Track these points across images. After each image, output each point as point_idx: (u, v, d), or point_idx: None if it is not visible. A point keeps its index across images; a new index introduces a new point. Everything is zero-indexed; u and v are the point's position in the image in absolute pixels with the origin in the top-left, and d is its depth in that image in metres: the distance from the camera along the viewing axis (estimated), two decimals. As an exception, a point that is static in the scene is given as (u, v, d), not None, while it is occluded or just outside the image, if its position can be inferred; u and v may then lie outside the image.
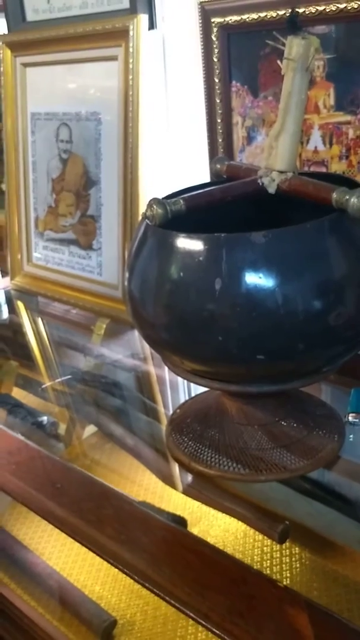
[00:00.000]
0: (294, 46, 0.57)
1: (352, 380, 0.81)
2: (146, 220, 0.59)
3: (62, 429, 0.94)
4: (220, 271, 0.53)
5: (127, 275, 0.62)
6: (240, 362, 0.55)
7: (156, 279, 0.58)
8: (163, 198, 0.60)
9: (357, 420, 0.71)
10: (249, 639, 0.46)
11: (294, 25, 0.58)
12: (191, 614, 0.49)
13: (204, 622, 0.48)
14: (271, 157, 0.60)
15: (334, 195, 0.54)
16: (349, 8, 0.72)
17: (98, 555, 0.57)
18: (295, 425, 0.67)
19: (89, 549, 0.58)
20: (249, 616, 0.48)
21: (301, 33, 0.57)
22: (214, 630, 0.48)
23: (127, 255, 0.63)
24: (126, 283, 0.62)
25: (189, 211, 0.59)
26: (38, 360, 1.12)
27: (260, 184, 0.61)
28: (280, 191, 0.60)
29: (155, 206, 0.57)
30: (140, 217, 0.96)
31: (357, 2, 0.71)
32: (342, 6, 0.73)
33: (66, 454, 0.90)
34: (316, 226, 0.53)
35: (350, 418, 0.71)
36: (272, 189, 0.60)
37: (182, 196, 0.60)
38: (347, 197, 0.53)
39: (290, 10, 0.58)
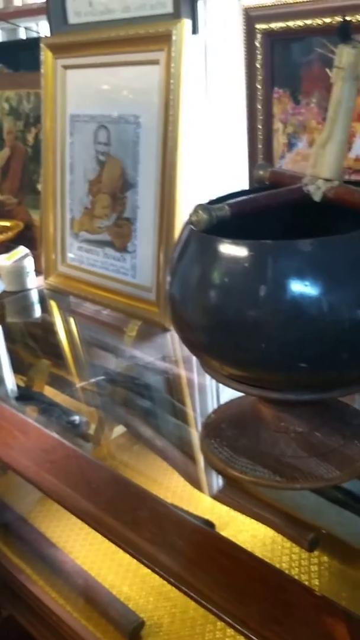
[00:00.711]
0: (344, 55, 0.57)
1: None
2: (190, 225, 0.59)
3: (91, 429, 0.95)
4: (265, 278, 0.53)
5: (168, 279, 0.62)
6: (282, 370, 0.55)
7: (199, 283, 0.58)
8: (208, 203, 0.60)
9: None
10: (287, 647, 0.46)
11: (345, 34, 0.57)
12: (228, 619, 0.49)
13: (240, 628, 0.48)
14: (317, 165, 0.60)
15: (382, 204, 0.53)
16: None
17: (134, 557, 0.57)
18: (331, 434, 0.67)
19: (125, 550, 0.58)
20: (286, 623, 0.48)
21: (352, 42, 0.57)
22: (251, 636, 0.48)
23: (169, 259, 0.63)
24: (167, 287, 0.62)
25: (233, 217, 0.59)
26: (69, 359, 1.13)
27: (306, 191, 0.60)
28: (326, 199, 0.60)
29: (200, 211, 0.58)
30: (177, 221, 0.98)
31: None
32: (389, 14, 0.72)
33: (95, 454, 0.91)
34: (363, 235, 0.53)
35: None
36: (317, 197, 0.60)
37: (227, 202, 0.60)
38: None
39: (341, 19, 0.57)
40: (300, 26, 0.79)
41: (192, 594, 0.52)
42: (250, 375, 0.59)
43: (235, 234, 0.56)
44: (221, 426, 0.72)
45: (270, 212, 0.62)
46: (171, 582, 0.54)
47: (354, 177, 0.81)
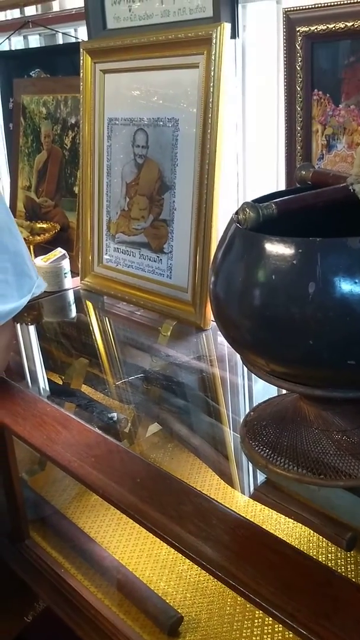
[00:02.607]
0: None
1: None
2: (236, 223, 0.60)
3: (126, 426, 0.96)
4: (314, 275, 0.54)
5: (212, 278, 0.63)
6: (330, 367, 0.56)
7: (244, 281, 0.59)
8: (254, 202, 0.61)
9: None
10: (336, 641, 0.47)
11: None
12: (277, 613, 0.50)
13: (290, 622, 0.49)
14: (362, 165, 0.61)
15: None
16: None
17: (179, 550, 0.58)
18: (374, 433, 0.67)
19: (170, 544, 0.59)
20: (335, 618, 0.49)
21: None
22: (300, 630, 0.48)
23: (213, 258, 0.64)
24: (211, 286, 0.63)
25: (279, 215, 0.60)
26: (105, 358, 1.15)
27: (352, 190, 0.61)
28: (371, 198, 0.60)
29: (248, 210, 0.58)
30: (213, 223, 0.98)
31: None
32: None
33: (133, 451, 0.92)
34: None
35: None
36: (362, 196, 0.61)
37: (274, 200, 0.61)
38: None
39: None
40: (341, 28, 0.80)
41: (239, 587, 0.53)
42: (296, 372, 0.59)
43: (279, 233, 0.57)
44: (262, 424, 0.73)
45: (313, 212, 0.63)
46: (217, 576, 0.55)
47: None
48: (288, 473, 0.66)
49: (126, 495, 0.64)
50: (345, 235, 0.54)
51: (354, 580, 0.78)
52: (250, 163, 1.08)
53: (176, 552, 0.59)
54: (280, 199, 0.61)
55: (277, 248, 0.56)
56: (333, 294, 0.53)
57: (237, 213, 0.60)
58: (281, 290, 0.56)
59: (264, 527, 0.77)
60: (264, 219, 0.59)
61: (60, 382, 1.06)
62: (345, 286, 0.53)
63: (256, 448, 0.70)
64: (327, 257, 0.53)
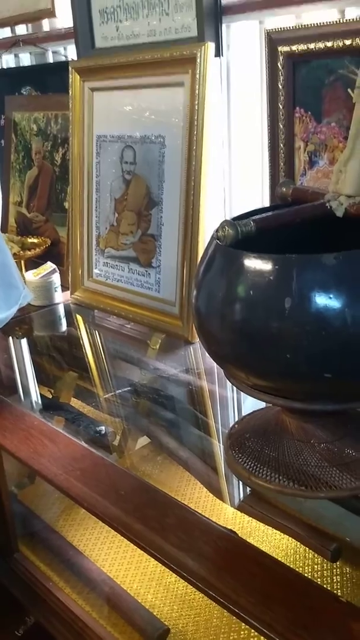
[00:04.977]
0: (365, 76, 0.60)
1: None
2: (216, 240, 0.62)
3: (115, 440, 0.97)
4: (290, 290, 0.55)
5: (194, 292, 0.64)
6: (307, 380, 0.57)
7: (224, 296, 0.60)
8: (232, 219, 0.63)
9: None
10: (313, 651, 0.47)
11: (366, 56, 0.60)
12: (255, 624, 0.50)
13: (268, 632, 0.50)
14: (340, 182, 0.62)
15: None
16: None
17: (161, 562, 0.59)
18: (354, 444, 0.68)
19: (152, 555, 0.60)
20: (312, 628, 0.49)
21: (373, 64, 0.60)
22: (278, 640, 0.49)
23: (195, 274, 0.65)
24: (193, 300, 0.64)
25: (258, 232, 0.61)
26: (94, 372, 1.16)
27: (329, 207, 0.62)
28: (348, 215, 0.62)
29: (227, 227, 0.60)
30: (201, 238, 1.00)
31: None
32: None
33: (118, 464, 0.93)
34: (385, 250, 0.55)
35: None
36: (340, 213, 0.62)
37: (253, 218, 0.62)
38: None
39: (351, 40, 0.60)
40: (321, 48, 0.82)
41: (219, 598, 0.53)
42: (275, 386, 0.60)
43: (260, 250, 0.58)
44: (245, 436, 0.74)
45: (293, 228, 0.64)
46: (198, 587, 0.55)
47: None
48: (270, 485, 0.66)
49: (110, 507, 0.65)
50: (327, 251, 0.56)
51: (339, 591, 0.79)
52: (237, 179, 1.10)
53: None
54: (259, 216, 0.63)
55: (255, 264, 0.57)
56: (309, 308, 0.54)
57: (217, 230, 0.61)
58: (259, 305, 0.57)
59: (251, 539, 0.78)
60: (243, 236, 0.60)
61: (50, 396, 1.07)
62: (321, 301, 0.54)
63: (239, 460, 0.71)
64: (302, 273, 0.55)
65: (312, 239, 0.65)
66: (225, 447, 0.75)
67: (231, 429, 0.78)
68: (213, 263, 0.62)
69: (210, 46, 0.94)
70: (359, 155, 0.61)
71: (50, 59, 1.49)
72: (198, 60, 0.94)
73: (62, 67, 1.27)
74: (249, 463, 0.70)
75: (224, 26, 1.00)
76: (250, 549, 0.58)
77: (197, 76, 0.95)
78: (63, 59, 1.42)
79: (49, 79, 1.45)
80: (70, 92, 1.20)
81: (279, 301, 0.55)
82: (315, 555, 0.83)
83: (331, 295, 0.54)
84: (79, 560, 0.91)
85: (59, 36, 1.37)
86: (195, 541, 0.59)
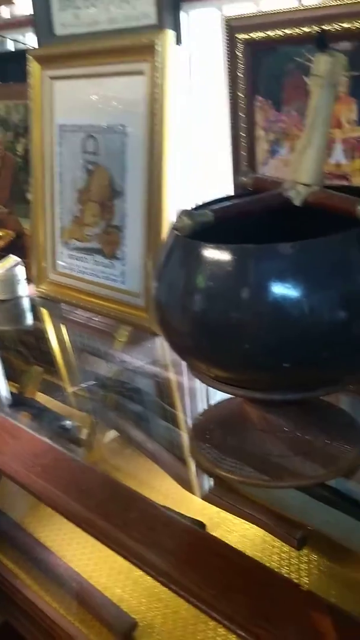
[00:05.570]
0: (321, 63, 0.59)
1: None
2: (175, 231, 0.61)
3: (83, 433, 0.96)
4: (248, 281, 0.54)
5: (154, 284, 0.63)
6: (266, 370, 0.57)
7: (184, 288, 0.59)
8: (191, 209, 0.62)
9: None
10: (274, 641, 0.47)
11: (322, 43, 0.59)
12: (216, 616, 0.50)
13: (228, 624, 0.49)
14: (298, 171, 0.62)
15: (359, 208, 0.55)
16: (372, 26, 0.74)
17: (125, 557, 0.58)
18: (316, 433, 0.68)
19: (116, 551, 0.59)
20: (273, 619, 0.49)
21: (328, 50, 0.59)
22: (239, 632, 0.49)
23: (155, 265, 0.65)
24: (153, 292, 0.63)
25: (217, 222, 0.61)
26: (61, 366, 1.14)
27: (287, 196, 0.62)
28: (306, 204, 0.61)
29: (184, 217, 0.59)
30: (164, 228, 0.99)
31: (381, 20, 0.73)
32: (366, 24, 0.74)
33: (87, 458, 0.91)
34: (343, 238, 0.55)
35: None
36: (298, 202, 0.62)
37: (210, 208, 0.61)
38: (372, 210, 0.54)
39: (318, 29, 0.59)
40: (280, 35, 0.81)
41: (180, 592, 0.53)
42: (235, 377, 0.60)
43: (220, 239, 0.58)
44: (209, 427, 0.74)
45: (254, 217, 0.64)
46: (160, 581, 0.55)
47: (335, 183, 0.83)
48: (233, 475, 0.66)
49: (72, 503, 0.64)
50: (289, 240, 0.55)
51: (307, 579, 0.80)
52: (201, 169, 1.09)
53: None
54: (217, 206, 0.62)
55: (212, 255, 0.57)
56: (266, 299, 0.54)
57: (174, 220, 0.61)
58: (217, 296, 0.56)
59: (220, 529, 0.78)
60: (201, 226, 0.60)
61: (15, 391, 1.05)
62: (278, 291, 0.54)
63: (203, 452, 0.71)
64: (259, 263, 0.54)
65: (274, 228, 0.65)
66: (190, 438, 0.75)
67: (195, 420, 0.78)
68: (172, 254, 0.62)
69: (170, 34, 0.93)
70: (315, 143, 0.61)
71: (11, 46, 1.45)
72: (157, 48, 0.93)
73: (22, 56, 1.24)
74: (213, 454, 0.70)
75: (184, 14, 0.98)
76: (213, 541, 0.58)
77: (157, 64, 0.93)
78: (23, 46, 1.39)
79: (9, 68, 1.41)
80: (29, 81, 1.18)
81: (236, 292, 0.55)
82: (283, 544, 0.84)
83: (288, 285, 0.54)
84: (46, 557, 0.90)
85: (18, 23, 1.34)
86: (158, 535, 0.58)
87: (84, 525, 0.61)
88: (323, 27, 0.59)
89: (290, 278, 0.54)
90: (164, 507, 0.67)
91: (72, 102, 1.13)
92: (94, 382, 1.05)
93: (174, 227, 0.60)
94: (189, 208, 0.62)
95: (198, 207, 0.67)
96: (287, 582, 0.54)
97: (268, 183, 0.68)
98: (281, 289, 0.54)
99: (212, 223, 0.60)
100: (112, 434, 0.97)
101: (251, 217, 0.63)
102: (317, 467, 0.66)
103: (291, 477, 0.65)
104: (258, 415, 0.69)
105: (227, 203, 0.63)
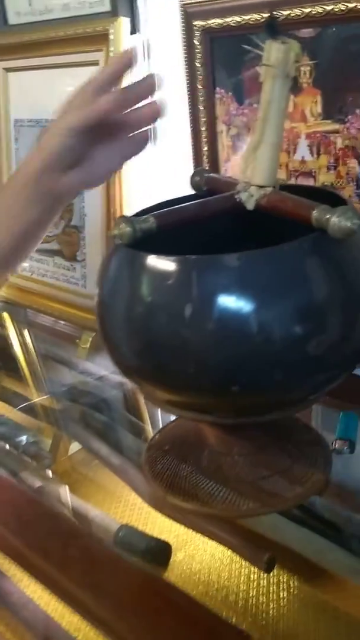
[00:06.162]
0: (272, 51, 0.53)
1: (342, 402, 0.77)
2: (113, 238, 0.55)
3: (47, 444, 0.90)
4: (190, 296, 0.49)
5: (95, 298, 0.58)
6: (214, 394, 0.51)
7: (125, 302, 0.54)
8: (136, 214, 0.56)
9: (344, 447, 0.67)
10: None
11: (273, 29, 0.53)
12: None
13: None
14: (249, 171, 0.56)
15: (314, 213, 0.49)
16: (336, 10, 0.68)
17: (63, 601, 0.53)
18: (278, 454, 0.63)
19: (53, 593, 0.54)
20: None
21: (280, 37, 0.53)
22: None
23: (97, 275, 0.59)
24: (95, 307, 0.58)
25: (162, 229, 0.55)
26: (23, 373, 1.09)
27: (238, 199, 0.56)
28: (259, 208, 0.56)
29: (123, 224, 0.53)
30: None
31: (344, 3, 0.67)
32: (329, 8, 0.68)
33: (52, 470, 0.86)
34: (295, 248, 0.49)
35: (336, 445, 0.67)
36: (250, 205, 0.56)
37: (154, 213, 0.56)
38: (328, 217, 0.48)
39: (268, 13, 0.53)
40: (239, 22, 0.75)
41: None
42: (181, 400, 0.55)
43: (176, 244, 0.52)
44: (164, 448, 0.68)
45: (205, 221, 0.58)
46: (99, 629, 0.50)
47: (300, 180, 0.77)
48: (187, 505, 0.61)
49: (9, 537, 0.58)
50: (252, 242, 0.51)
51: (274, 602, 0.75)
52: (162, 166, 1.03)
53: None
54: (161, 211, 0.56)
55: (153, 266, 0.51)
56: (210, 315, 0.48)
57: (112, 227, 0.55)
58: (160, 312, 0.51)
59: (187, 548, 0.73)
60: (142, 233, 0.54)
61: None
62: (223, 307, 0.48)
63: (156, 476, 0.65)
64: (203, 275, 0.49)
65: (240, 229, 0.60)
66: (144, 460, 0.69)
67: (151, 439, 0.72)
68: (111, 265, 0.56)
69: (124, 21, 0.87)
70: (269, 140, 0.55)
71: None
72: (111, 37, 0.87)
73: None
74: (167, 479, 0.64)
75: (142, 1, 0.92)
76: (159, 583, 0.53)
77: (111, 54, 0.87)
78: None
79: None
80: (-18, 73, 1.11)
81: (179, 308, 0.49)
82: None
83: (235, 300, 0.48)
84: (10, 592, 0.84)
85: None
86: (98, 575, 0.53)
87: (20, 562, 0.56)
88: (273, 11, 0.53)
89: (237, 292, 0.48)
90: (124, 526, 0.61)
91: (28, 95, 1.07)
92: (56, 391, 1.00)
93: (112, 235, 0.55)
94: (137, 210, 0.57)
95: (146, 210, 0.61)
96: (232, 629, 0.49)
97: (221, 183, 0.62)
98: (227, 305, 0.48)
99: (154, 230, 0.54)
100: (75, 446, 0.92)
101: (201, 222, 0.57)
102: (278, 492, 0.60)
103: (248, 505, 0.60)
104: (214, 435, 0.63)
105: (171, 208, 0.57)
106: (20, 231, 0.65)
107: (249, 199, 0.56)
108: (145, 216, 0.55)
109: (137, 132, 0.63)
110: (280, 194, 0.55)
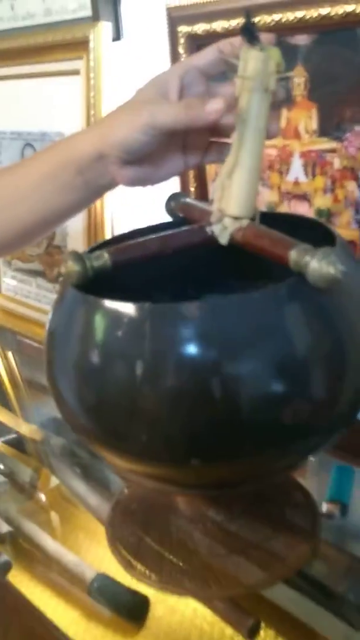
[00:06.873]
0: (249, 60, 0.45)
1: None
2: (62, 278, 0.48)
3: (27, 474, 0.85)
4: (142, 350, 0.41)
5: (45, 345, 0.50)
6: (171, 465, 0.43)
7: (75, 350, 0.46)
8: (85, 251, 0.49)
9: (334, 512, 0.58)
10: None
11: (250, 34, 0.46)
12: None
13: None
14: (224, 199, 0.48)
15: (292, 254, 0.41)
16: (332, 14, 0.60)
17: None
18: (255, 523, 0.55)
19: None
20: None
21: (258, 44, 0.45)
22: None
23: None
24: (44, 355, 0.50)
25: (118, 266, 0.47)
26: (9, 401, 1.03)
27: (210, 232, 0.48)
28: (234, 242, 0.48)
29: (71, 262, 0.46)
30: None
31: (342, 6, 0.59)
32: (325, 12, 0.60)
33: (31, 504, 0.81)
34: (266, 296, 0.41)
35: (325, 509, 0.59)
36: (224, 240, 0.48)
37: (110, 248, 0.48)
38: (307, 259, 0.40)
39: (245, 16, 0.46)
40: (225, 28, 0.67)
41: None
42: (138, 470, 0.47)
43: (143, 273, 0.46)
44: (131, 507, 0.61)
45: (168, 257, 0.50)
46: None
47: (294, 204, 0.69)
48: (150, 580, 0.53)
49: None
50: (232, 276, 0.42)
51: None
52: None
53: None
54: (118, 245, 0.49)
55: (102, 314, 0.44)
56: (165, 375, 0.41)
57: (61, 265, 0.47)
58: (109, 369, 0.43)
59: (167, 603, 0.65)
60: (94, 272, 0.46)
61: None
62: (180, 365, 0.40)
63: (121, 541, 0.57)
64: (157, 328, 0.41)
65: (218, 261, 0.52)
66: (109, 519, 0.61)
67: (120, 494, 0.65)
68: (61, 308, 0.48)
69: (106, 27, 0.79)
70: (245, 164, 0.47)
71: None
72: (91, 43, 0.79)
73: None
74: (132, 546, 0.57)
75: (124, 4, 0.85)
76: None
77: (92, 62, 0.80)
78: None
79: None
80: (-36, 82, 1.04)
81: (130, 365, 0.41)
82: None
83: (194, 358, 0.40)
84: None
85: None
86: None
87: None
88: (250, 14, 0.45)
89: (197, 348, 0.40)
90: (101, 575, 0.54)
91: (10, 106, 1.00)
92: (41, 423, 0.94)
93: (61, 274, 0.47)
94: (82, 250, 0.49)
95: (106, 243, 0.54)
96: None
97: (197, 211, 0.54)
98: (185, 362, 0.40)
99: (109, 268, 0.47)
100: (55, 481, 0.86)
101: (164, 258, 0.49)
102: (253, 569, 0.52)
103: (220, 584, 0.52)
104: (184, 500, 0.55)
105: (130, 242, 0.49)
106: (45, 213, 0.55)
107: (223, 232, 0.48)
108: (98, 252, 0.47)
109: (217, 139, 0.54)
110: (256, 229, 0.47)
